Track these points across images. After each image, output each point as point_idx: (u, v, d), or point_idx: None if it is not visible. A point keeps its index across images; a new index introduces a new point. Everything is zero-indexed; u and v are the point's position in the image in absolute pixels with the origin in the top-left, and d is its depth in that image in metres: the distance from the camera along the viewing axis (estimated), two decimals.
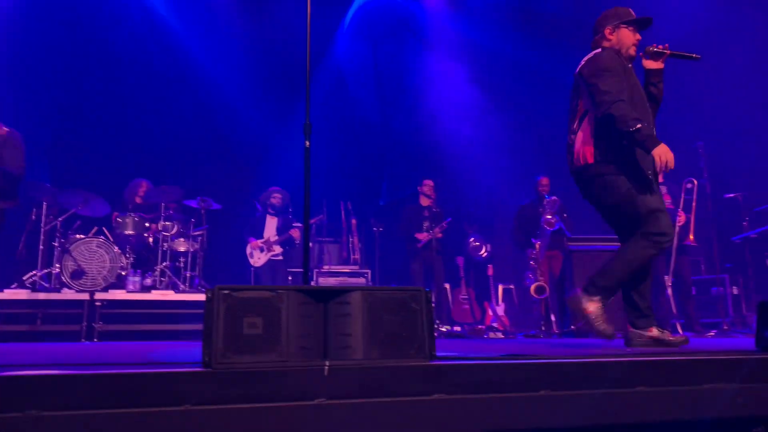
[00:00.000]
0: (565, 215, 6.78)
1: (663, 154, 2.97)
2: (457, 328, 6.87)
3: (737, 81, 7.58)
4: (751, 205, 6.51)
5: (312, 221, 7.46)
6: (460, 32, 9.48)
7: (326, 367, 1.65)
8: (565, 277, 6.41)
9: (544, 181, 6.87)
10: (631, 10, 3.40)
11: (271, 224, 7.40)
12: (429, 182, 7.46)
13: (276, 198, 7.45)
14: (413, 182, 7.76)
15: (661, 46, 3.28)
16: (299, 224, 7.29)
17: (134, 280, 5.99)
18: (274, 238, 7.31)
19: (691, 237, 6.11)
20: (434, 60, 9.26)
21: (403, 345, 1.80)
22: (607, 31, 3.35)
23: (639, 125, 2.98)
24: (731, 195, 6.49)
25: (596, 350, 2.74)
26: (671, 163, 2.97)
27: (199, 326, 3.46)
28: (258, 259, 7.26)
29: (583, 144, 3.24)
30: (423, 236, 7.15)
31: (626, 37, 3.33)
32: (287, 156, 7.55)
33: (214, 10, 8.41)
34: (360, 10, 9.33)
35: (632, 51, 3.33)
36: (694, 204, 6.20)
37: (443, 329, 6.56)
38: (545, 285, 6.40)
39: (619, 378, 1.77)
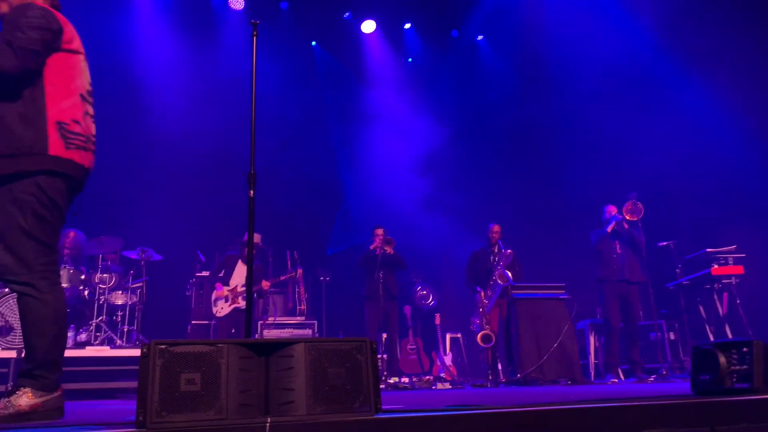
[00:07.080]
0: (517, 268, 6.82)
1: None
2: (405, 380, 6.78)
3: (670, 134, 8.00)
4: (683, 253, 6.79)
5: (283, 278, 7.11)
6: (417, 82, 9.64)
7: (268, 425, 1.59)
8: (510, 324, 6.47)
9: (496, 228, 6.97)
10: None
11: (240, 272, 6.92)
12: (379, 231, 7.41)
13: (257, 238, 6.96)
14: (364, 231, 7.74)
15: None
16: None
17: (67, 335, 5.68)
18: (242, 288, 6.84)
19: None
20: (384, 109, 9.37)
21: (348, 398, 1.76)
22: None
23: None
24: (664, 243, 6.76)
25: (541, 399, 2.75)
26: None
27: (136, 384, 3.29)
28: (221, 308, 6.84)
29: None
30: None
31: None
32: (232, 204, 7.38)
33: (161, 52, 8.25)
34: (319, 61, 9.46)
35: None
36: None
37: (391, 381, 6.47)
38: (491, 333, 6.44)
39: (564, 426, 1.78)
